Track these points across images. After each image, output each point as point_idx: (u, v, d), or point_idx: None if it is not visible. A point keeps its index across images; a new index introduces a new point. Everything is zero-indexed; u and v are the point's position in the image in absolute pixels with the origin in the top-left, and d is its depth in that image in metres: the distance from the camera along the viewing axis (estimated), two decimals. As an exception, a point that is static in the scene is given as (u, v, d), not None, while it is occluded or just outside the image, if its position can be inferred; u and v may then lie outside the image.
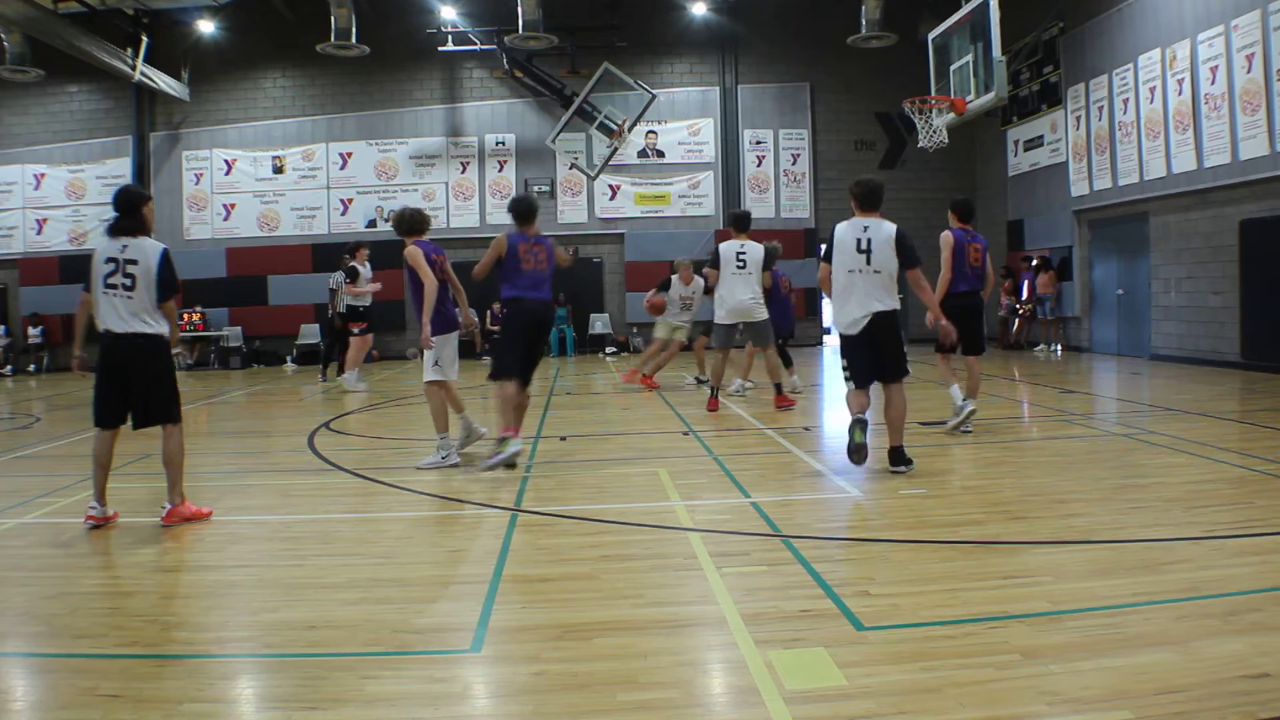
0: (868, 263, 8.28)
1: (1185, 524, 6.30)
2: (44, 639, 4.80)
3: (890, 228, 8.38)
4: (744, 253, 12.56)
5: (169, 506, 7.12)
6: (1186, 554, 5.58)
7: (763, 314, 12.79)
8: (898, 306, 8.41)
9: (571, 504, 7.48)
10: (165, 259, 7.03)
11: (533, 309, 9.08)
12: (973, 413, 10.35)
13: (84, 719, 3.80)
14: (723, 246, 12.74)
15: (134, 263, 6.92)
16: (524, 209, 9.31)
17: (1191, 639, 4.24)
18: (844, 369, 8.55)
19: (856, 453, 8.15)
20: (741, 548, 6.08)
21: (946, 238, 10.41)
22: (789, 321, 14.75)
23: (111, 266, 6.93)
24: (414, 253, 9.18)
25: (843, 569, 5.49)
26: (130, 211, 7.06)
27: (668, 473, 8.59)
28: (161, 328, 7.06)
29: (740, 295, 12.58)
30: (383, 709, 3.83)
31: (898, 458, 8.38)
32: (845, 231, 8.44)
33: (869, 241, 8.30)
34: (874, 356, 8.39)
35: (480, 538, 6.59)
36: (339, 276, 17.56)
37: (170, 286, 7.03)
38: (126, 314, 6.93)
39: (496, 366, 9.31)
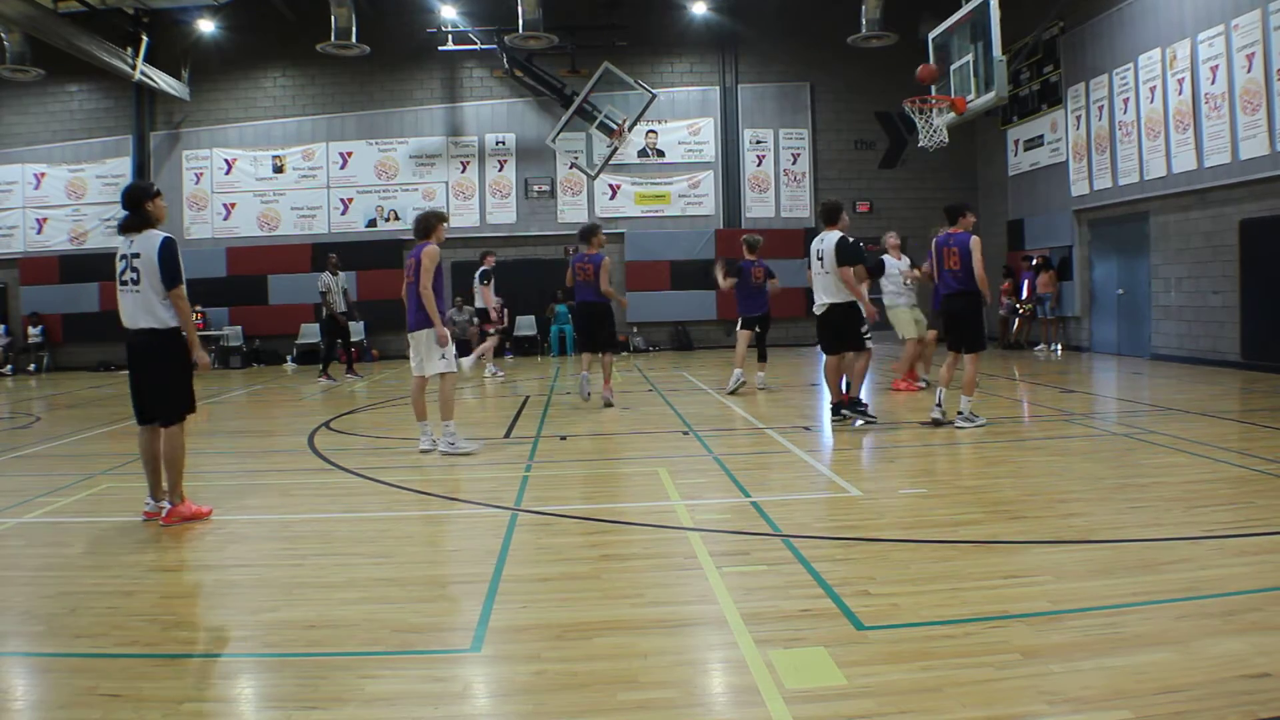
0: (822, 266, 11.03)
1: (1185, 524, 6.30)
2: (44, 638, 4.80)
3: (834, 237, 10.95)
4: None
5: (169, 506, 7.12)
6: (1186, 554, 5.59)
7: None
8: (851, 299, 10.97)
9: (571, 504, 7.49)
10: (165, 247, 6.97)
11: (579, 307, 13.68)
12: (945, 420, 10.85)
13: (84, 718, 3.80)
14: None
15: (138, 256, 6.93)
16: (581, 232, 13.78)
17: (1191, 639, 4.25)
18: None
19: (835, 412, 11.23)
20: (741, 547, 6.08)
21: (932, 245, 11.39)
22: (755, 311, 14.54)
23: (123, 264, 6.97)
24: (435, 252, 9.82)
25: (843, 568, 5.49)
26: (135, 208, 7.04)
27: (668, 472, 8.59)
28: (171, 323, 7.01)
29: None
30: (382, 708, 3.83)
31: (853, 404, 11.21)
32: (813, 243, 11.31)
33: (822, 251, 11.02)
34: (834, 334, 11.22)
35: (480, 537, 6.58)
36: (326, 278, 18.59)
37: (172, 274, 6.95)
38: (135, 310, 6.96)
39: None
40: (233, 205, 26.74)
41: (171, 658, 4.45)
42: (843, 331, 11.21)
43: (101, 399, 16.96)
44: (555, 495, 7.88)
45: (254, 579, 5.77)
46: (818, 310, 11.30)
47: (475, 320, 19.50)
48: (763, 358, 15.18)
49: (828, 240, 10.98)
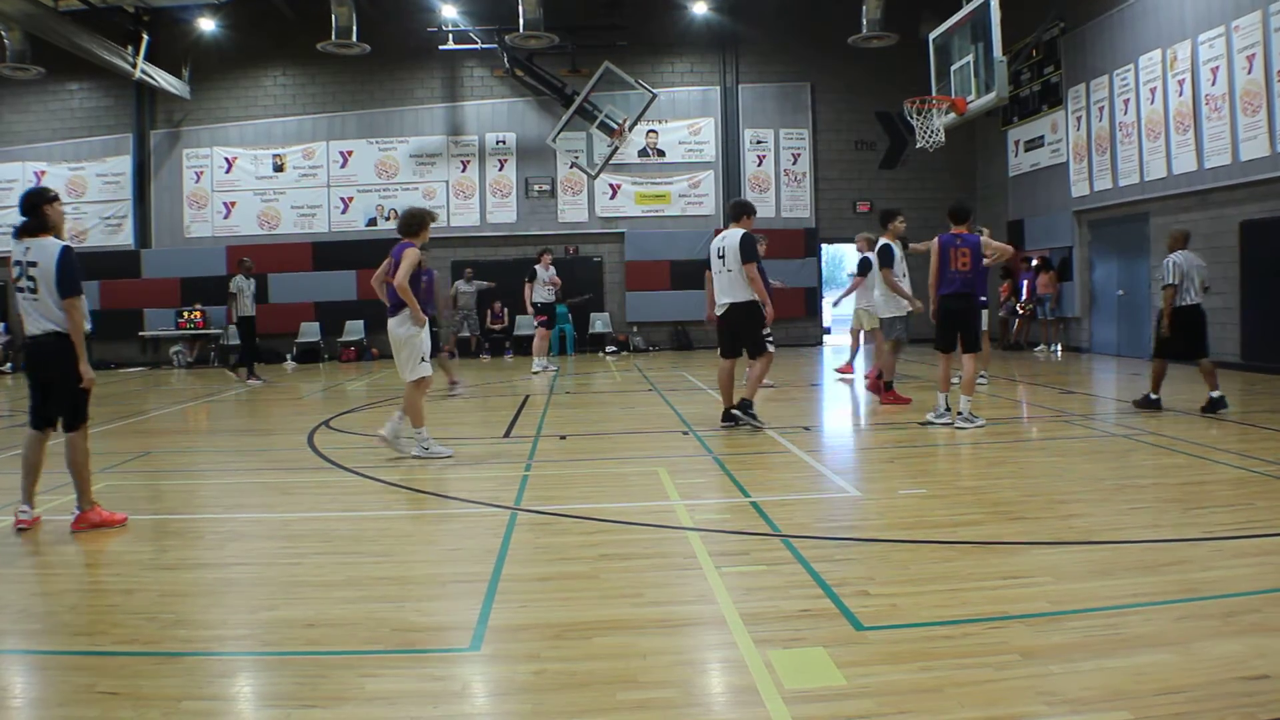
0: (724, 265, 10.82)
1: (1184, 525, 6.30)
2: (42, 636, 4.80)
3: (737, 234, 10.77)
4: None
5: (78, 512, 6.99)
6: (1186, 555, 5.59)
7: (885, 311, 13.11)
8: (753, 298, 10.76)
9: (571, 503, 7.47)
10: (64, 255, 6.79)
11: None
12: (948, 421, 10.87)
13: (83, 716, 3.80)
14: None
15: (34, 264, 6.75)
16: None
17: (1191, 640, 4.25)
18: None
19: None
20: (741, 547, 6.08)
21: (934, 243, 11.14)
22: None
23: (18, 270, 6.80)
24: (415, 255, 9.51)
25: (842, 569, 5.49)
26: (31, 211, 6.84)
27: (667, 472, 8.59)
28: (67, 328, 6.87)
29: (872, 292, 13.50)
30: (382, 707, 3.83)
31: (743, 406, 11.01)
32: (713, 243, 11.06)
33: (724, 248, 10.81)
34: (732, 335, 11.06)
35: (480, 536, 6.58)
36: (240, 280, 19.04)
37: (71, 283, 6.78)
38: (37, 316, 6.82)
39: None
40: (233, 204, 26.75)
41: (170, 656, 4.45)
42: (741, 333, 11.01)
43: (101, 397, 16.92)
44: (555, 495, 7.87)
45: (253, 577, 5.77)
46: (719, 311, 11.08)
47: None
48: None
49: (730, 237, 10.81)
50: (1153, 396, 11.92)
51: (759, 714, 3.67)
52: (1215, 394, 11.43)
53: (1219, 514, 6.57)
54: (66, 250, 6.86)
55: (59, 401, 7.01)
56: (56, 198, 7.03)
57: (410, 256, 9.38)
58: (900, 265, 12.83)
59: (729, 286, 10.84)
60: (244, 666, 4.43)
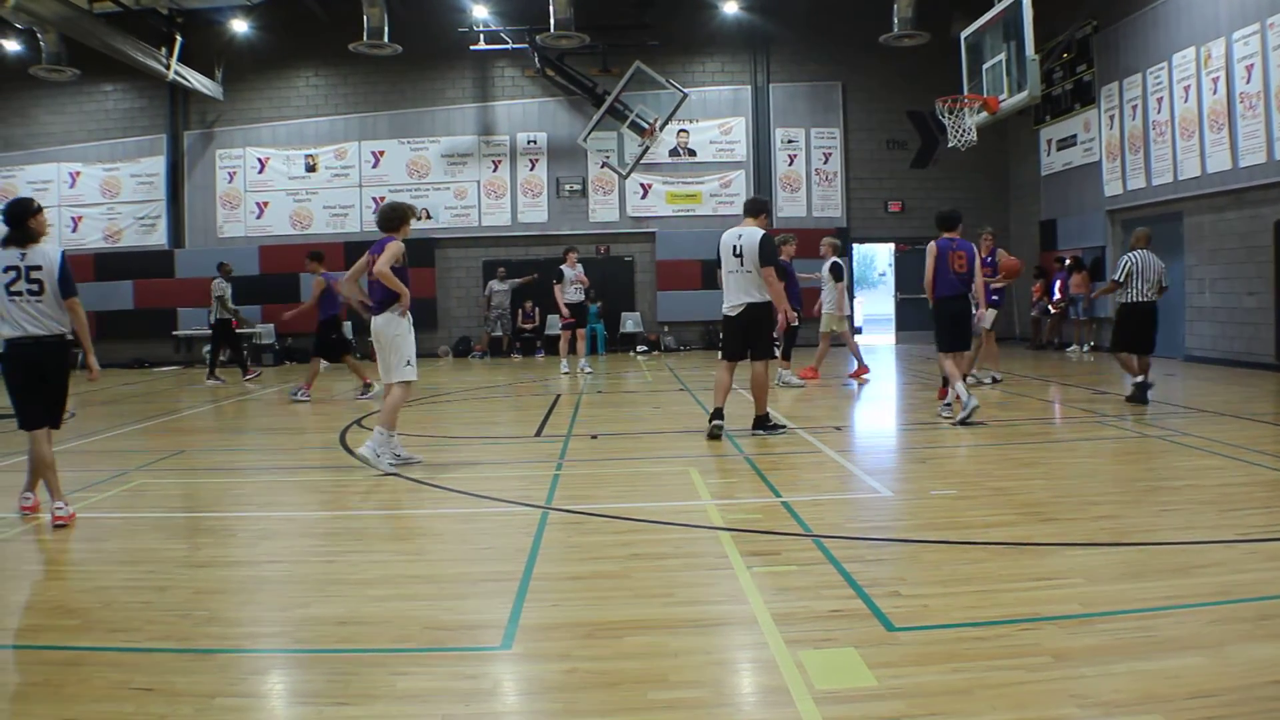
0: (741, 264, 10.21)
1: (1218, 527, 6.25)
2: (79, 632, 4.84)
3: (756, 233, 10.20)
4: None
5: (58, 507, 7.09)
6: (1219, 557, 5.54)
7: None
8: (769, 299, 10.25)
9: (602, 502, 7.49)
10: (64, 260, 7.15)
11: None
12: (976, 408, 10.99)
13: (118, 712, 3.84)
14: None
15: (38, 268, 6.99)
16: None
17: (1224, 643, 4.21)
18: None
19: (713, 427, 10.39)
20: (772, 547, 6.07)
21: (931, 247, 11.58)
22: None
23: (13, 275, 6.96)
24: (399, 248, 9.03)
25: (874, 569, 5.48)
26: (19, 224, 7.06)
27: (698, 472, 8.59)
28: (67, 329, 7.15)
29: None
30: (413, 705, 3.85)
31: (760, 423, 10.55)
32: (725, 237, 10.45)
33: (740, 246, 10.21)
34: (743, 337, 10.45)
35: (511, 535, 6.60)
36: (221, 283, 19.40)
37: (71, 286, 7.11)
38: (39, 317, 6.99)
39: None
40: (265, 204, 26.91)
41: (204, 653, 4.49)
42: (753, 335, 10.41)
43: (135, 395, 17.10)
44: (586, 494, 7.88)
45: (286, 575, 5.81)
46: (731, 311, 10.41)
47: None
48: (786, 355, 15.28)
49: (748, 236, 10.23)
50: (1139, 381, 12.60)
51: (790, 714, 3.67)
52: (1141, 380, 12.54)
53: (1254, 516, 6.50)
54: (64, 254, 7.25)
55: (58, 400, 7.27)
56: (40, 209, 7.25)
57: (394, 247, 8.93)
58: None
59: (747, 286, 10.26)
60: (276, 664, 4.46)
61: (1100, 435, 10.51)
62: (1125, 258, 12.56)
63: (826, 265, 16.23)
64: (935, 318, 11.59)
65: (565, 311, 19.06)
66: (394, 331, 9.05)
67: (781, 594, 5.05)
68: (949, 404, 11.40)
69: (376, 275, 8.87)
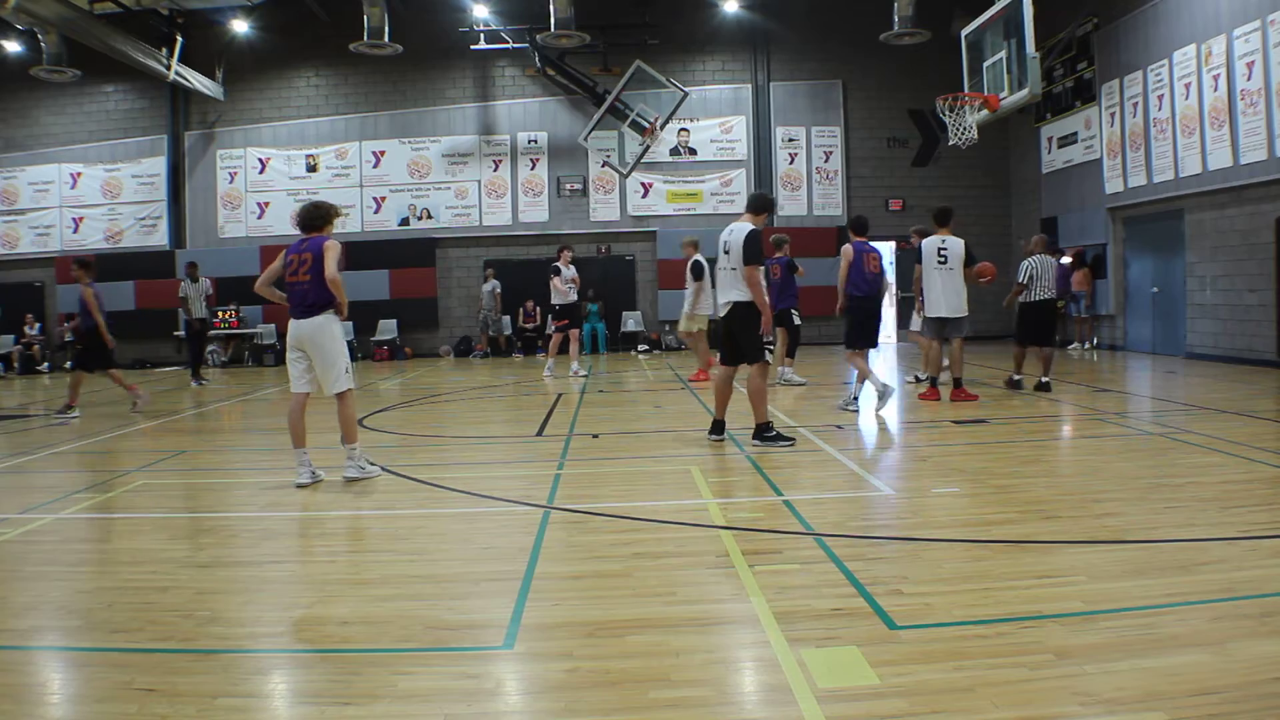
0: (729, 260, 9.72)
1: (1220, 524, 6.24)
2: (81, 633, 4.85)
3: (744, 229, 9.65)
4: (945, 248, 12.76)
5: None
6: (1221, 554, 5.54)
7: (963, 309, 12.86)
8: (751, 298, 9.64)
9: (604, 501, 7.49)
10: None
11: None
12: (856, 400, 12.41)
13: (120, 712, 3.84)
14: (925, 242, 12.93)
15: None
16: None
17: (1227, 640, 4.21)
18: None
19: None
20: (774, 546, 6.07)
21: (846, 250, 12.51)
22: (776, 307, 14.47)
23: None
24: (337, 246, 8.57)
25: (875, 568, 5.47)
26: None
27: (700, 470, 8.59)
28: None
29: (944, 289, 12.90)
30: (415, 704, 3.85)
31: (761, 433, 9.79)
32: (722, 234, 9.96)
33: (729, 243, 9.76)
34: (733, 340, 9.84)
35: (513, 534, 6.60)
36: (186, 285, 19.88)
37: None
38: None
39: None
40: (266, 204, 26.94)
41: (206, 653, 4.49)
42: (740, 336, 9.78)
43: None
44: (588, 493, 7.88)
45: (288, 575, 5.81)
46: (721, 310, 9.91)
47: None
48: (790, 354, 15.32)
49: (736, 232, 9.71)
50: (1015, 377, 14.09)
51: (792, 713, 3.67)
52: (1045, 379, 13.68)
53: (1256, 513, 6.50)
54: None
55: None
56: None
57: (335, 248, 8.42)
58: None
59: (735, 283, 9.65)
60: (278, 664, 4.46)
61: (1102, 433, 10.50)
62: (1026, 262, 13.77)
63: (689, 264, 16.16)
64: (847, 315, 12.57)
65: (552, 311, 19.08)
66: (330, 338, 8.52)
67: (783, 593, 5.05)
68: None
69: (330, 281, 8.32)
